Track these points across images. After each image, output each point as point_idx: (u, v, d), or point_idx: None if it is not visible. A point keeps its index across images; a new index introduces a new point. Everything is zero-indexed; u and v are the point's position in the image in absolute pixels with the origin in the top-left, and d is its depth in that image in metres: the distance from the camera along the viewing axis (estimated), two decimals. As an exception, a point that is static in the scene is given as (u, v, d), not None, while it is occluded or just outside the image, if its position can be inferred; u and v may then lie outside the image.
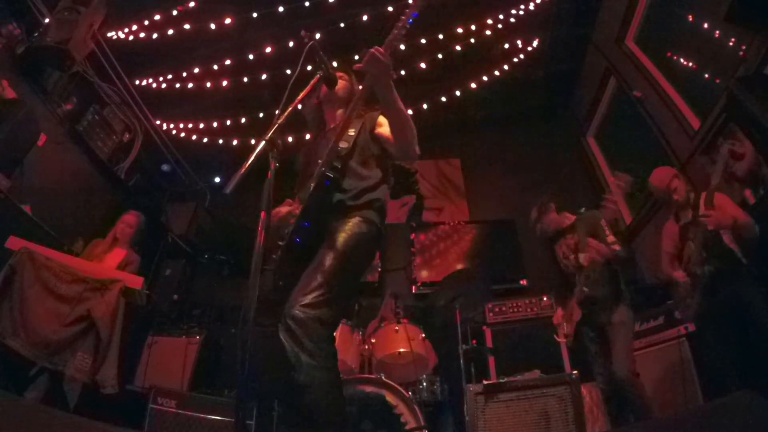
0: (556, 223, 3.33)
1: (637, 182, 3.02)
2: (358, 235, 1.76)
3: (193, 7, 4.17)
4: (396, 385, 2.99)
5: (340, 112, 2.17)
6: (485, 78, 4.94)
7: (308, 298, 1.58)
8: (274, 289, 1.79)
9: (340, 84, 2.12)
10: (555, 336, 3.25)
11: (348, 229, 1.77)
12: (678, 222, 2.92)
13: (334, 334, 1.68)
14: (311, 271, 1.68)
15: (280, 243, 1.84)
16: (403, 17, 1.74)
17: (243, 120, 5.00)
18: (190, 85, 4.62)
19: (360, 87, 1.96)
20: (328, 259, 1.68)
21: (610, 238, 2.95)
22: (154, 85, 4.69)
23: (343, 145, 1.88)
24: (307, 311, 1.56)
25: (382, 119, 2.00)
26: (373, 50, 1.69)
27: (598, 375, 2.89)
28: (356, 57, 4.28)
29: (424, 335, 3.48)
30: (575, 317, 2.97)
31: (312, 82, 1.93)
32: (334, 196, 1.81)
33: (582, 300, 2.94)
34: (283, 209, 1.97)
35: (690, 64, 4.00)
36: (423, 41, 4.42)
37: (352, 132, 1.96)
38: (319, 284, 1.62)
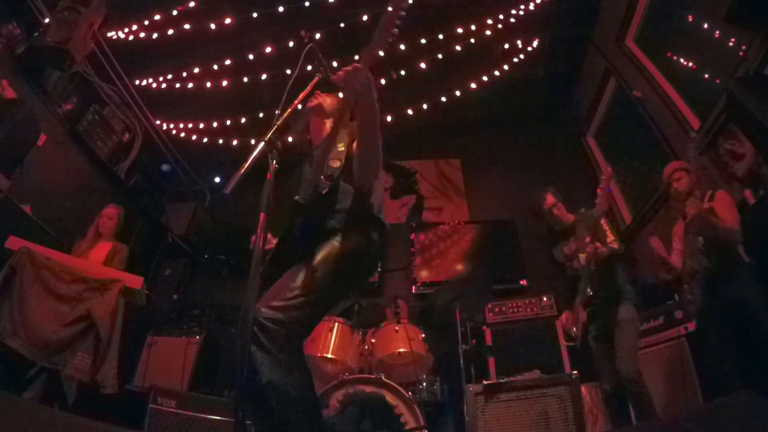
0: (565, 218, 3.28)
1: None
2: (347, 247, 1.72)
3: (193, 7, 4.16)
4: (396, 385, 2.99)
5: (328, 123, 2.09)
6: (485, 78, 4.93)
7: (277, 302, 1.55)
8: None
9: (330, 100, 2.08)
10: (563, 340, 3.24)
11: (336, 240, 1.72)
12: (684, 219, 2.93)
13: (300, 342, 1.62)
14: (285, 280, 1.65)
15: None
16: (387, 19, 1.51)
17: (243, 120, 5.00)
18: (190, 85, 4.61)
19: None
20: (305, 271, 1.64)
21: (611, 238, 2.96)
22: (154, 85, 4.69)
23: (335, 164, 1.81)
24: (272, 313, 1.52)
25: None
26: (348, 68, 1.56)
27: (603, 374, 2.89)
28: (356, 57, 4.29)
29: (424, 335, 3.48)
30: (581, 318, 2.97)
31: (311, 83, 1.93)
32: (324, 221, 1.76)
33: (586, 302, 2.93)
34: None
35: (690, 64, 4.00)
36: (423, 41, 4.42)
37: (341, 147, 1.87)
38: (292, 288, 1.59)
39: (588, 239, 2.88)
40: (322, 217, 1.77)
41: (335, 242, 1.73)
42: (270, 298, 1.58)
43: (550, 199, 3.28)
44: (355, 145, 1.85)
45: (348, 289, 1.85)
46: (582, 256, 2.93)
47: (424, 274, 4.96)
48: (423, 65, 4.53)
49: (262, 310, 1.52)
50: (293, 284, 1.61)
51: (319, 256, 1.68)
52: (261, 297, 1.66)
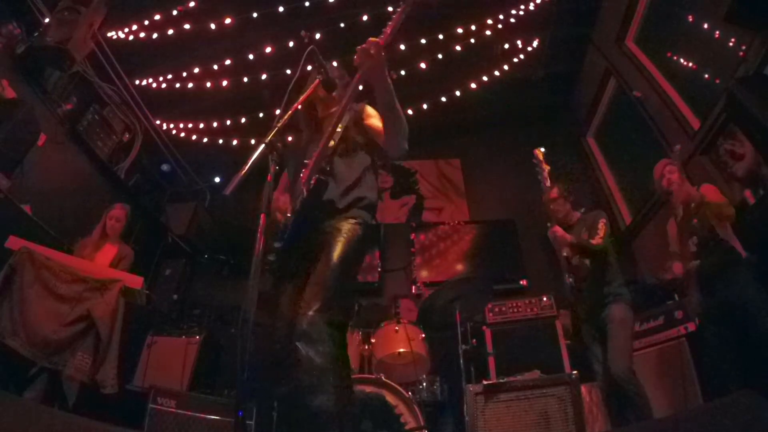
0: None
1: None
2: (352, 240, 1.81)
3: (193, 7, 4.16)
4: (396, 385, 2.99)
5: (334, 110, 2.18)
6: (485, 78, 4.93)
7: (318, 304, 1.64)
8: (272, 285, 1.82)
9: (339, 87, 2.13)
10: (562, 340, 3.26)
11: (342, 236, 1.80)
12: (676, 220, 2.94)
13: (346, 338, 1.72)
14: (316, 278, 1.72)
15: (277, 245, 1.87)
16: (398, 9, 1.76)
17: (243, 120, 5.00)
18: (190, 85, 4.61)
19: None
20: (329, 266, 1.73)
21: (599, 236, 2.97)
22: (154, 85, 4.69)
23: (330, 143, 1.90)
24: (320, 315, 1.61)
25: (369, 110, 2.03)
26: (365, 44, 1.71)
27: (599, 374, 2.89)
28: (356, 57, 4.29)
29: (423, 335, 3.48)
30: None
31: (312, 85, 1.94)
32: (324, 194, 1.85)
33: (569, 293, 2.96)
34: (281, 198, 2.00)
35: (690, 64, 4.00)
36: (423, 41, 4.42)
37: (339, 128, 1.98)
38: (325, 292, 1.67)
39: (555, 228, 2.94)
40: (321, 192, 1.83)
41: (344, 232, 1.81)
42: (311, 301, 1.65)
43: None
44: (367, 121, 2.00)
45: (356, 272, 1.94)
46: (566, 249, 3.00)
47: (424, 274, 4.96)
48: (423, 65, 4.53)
49: (311, 312, 1.61)
50: (322, 288, 1.68)
51: (339, 245, 1.77)
52: (276, 294, 1.80)
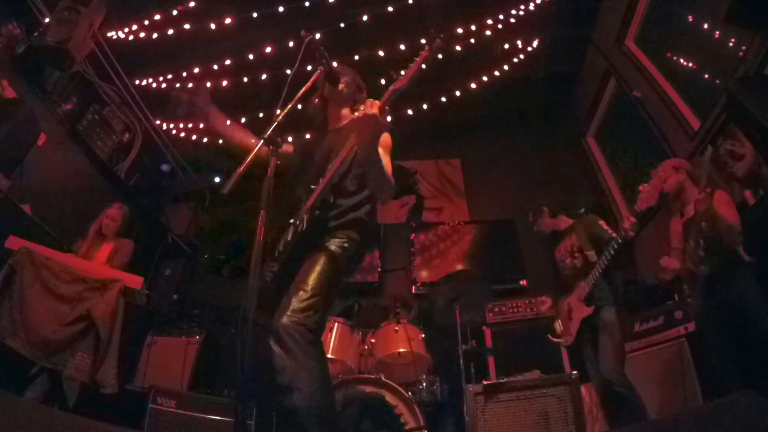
0: (550, 227, 3.37)
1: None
2: (340, 255, 1.84)
3: (193, 7, 4.17)
4: (396, 385, 2.99)
5: (344, 110, 2.18)
6: (485, 78, 4.93)
7: (294, 306, 1.66)
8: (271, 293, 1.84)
9: (343, 81, 2.13)
10: (550, 336, 3.23)
11: (332, 248, 1.84)
12: (682, 218, 2.92)
13: (320, 339, 1.74)
14: (296, 285, 1.75)
15: (273, 266, 1.90)
16: (414, 63, 1.85)
17: (243, 120, 5.00)
18: (190, 85, 4.61)
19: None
20: (312, 274, 1.76)
21: (612, 233, 2.98)
22: (154, 85, 4.69)
23: (342, 168, 1.91)
24: (292, 316, 1.63)
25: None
26: (362, 114, 1.69)
27: (593, 376, 2.90)
28: (356, 57, 4.29)
29: (423, 335, 3.48)
30: (580, 315, 2.96)
31: (313, 77, 1.93)
32: (326, 221, 1.88)
33: (588, 297, 2.93)
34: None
35: (690, 64, 4.00)
36: (423, 41, 4.41)
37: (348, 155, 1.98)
38: (303, 296, 1.70)
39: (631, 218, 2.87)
40: (324, 218, 1.86)
41: (334, 246, 1.84)
42: (288, 304, 1.68)
43: (530, 216, 3.48)
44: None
45: (339, 285, 1.95)
46: (590, 254, 2.95)
47: (424, 274, 4.96)
48: (423, 65, 4.53)
49: (286, 314, 1.63)
50: (302, 293, 1.70)
51: (325, 258, 1.79)
52: (275, 295, 1.80)
